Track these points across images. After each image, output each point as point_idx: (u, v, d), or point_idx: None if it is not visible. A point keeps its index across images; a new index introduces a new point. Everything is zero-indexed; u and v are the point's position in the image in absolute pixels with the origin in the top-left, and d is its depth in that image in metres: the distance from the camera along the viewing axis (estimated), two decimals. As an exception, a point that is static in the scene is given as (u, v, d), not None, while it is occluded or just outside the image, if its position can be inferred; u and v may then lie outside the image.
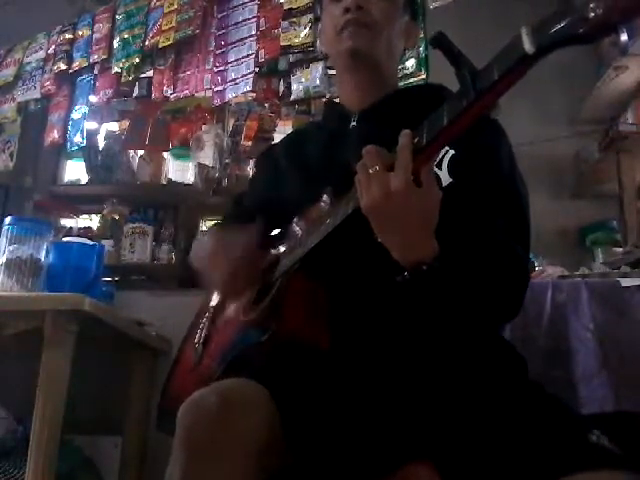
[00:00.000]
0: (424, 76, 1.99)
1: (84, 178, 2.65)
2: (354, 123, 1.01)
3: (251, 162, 2.53)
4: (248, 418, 0.71)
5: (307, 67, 2.14)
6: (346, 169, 0.83)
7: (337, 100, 1.13)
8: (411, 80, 1.99)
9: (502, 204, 0.89)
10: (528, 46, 0.57)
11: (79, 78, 2.50)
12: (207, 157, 2.46)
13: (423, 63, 2.01)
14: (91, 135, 2.57)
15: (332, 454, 0.77)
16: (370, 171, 0.71)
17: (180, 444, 0.71)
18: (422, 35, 1.94)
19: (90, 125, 2.57)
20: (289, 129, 2.50)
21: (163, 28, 2.29)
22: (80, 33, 2.51)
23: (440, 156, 0.89)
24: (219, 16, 2.26)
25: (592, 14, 0.52)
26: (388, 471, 0.78)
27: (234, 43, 2.20)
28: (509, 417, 0.76)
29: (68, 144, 2.45)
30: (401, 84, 1.91)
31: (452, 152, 0.90)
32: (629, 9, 0.51)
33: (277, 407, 0.74)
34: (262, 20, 2.16)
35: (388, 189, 0.69)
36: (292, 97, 2.18)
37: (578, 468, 0.67)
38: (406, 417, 0.80)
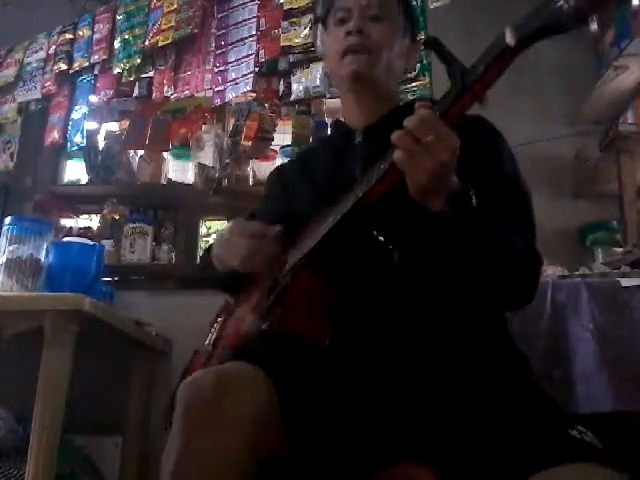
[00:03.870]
0: (427, 81, 1.99)
1: (84, 178, 2.64)
2: (359, 139, 1.06)
3: (251, 162, 2.53)
4: (243, 397, 0.75)
5: (307, 67, 2.15)
6: (353, 183, 0.86)
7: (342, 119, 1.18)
8: (414, 85, 2.00)
9: (508, 203, 0.91)
10: (509, 39, 0.67)
11: (79, 78, 2.50)
12: (207, 157, 2.45)
13: (426, 68, 2.01)
14: (91, 135, 2.57)
15: (328, 440, 0.80)
16: (425, 140, 0.73)
17: (178, 420, 0.76)
18: (423, 37, 1.93)
19: (90, 125, 2.56)
20: (289, 129, 2.50)
21: (162, 27, 2.29)
22: (80, 33, 2.51)
23: None
24: (219, 16, 2.26)
25: (565, 6, 0.62)
26: (382, 466, 0.80)
27: (234, 43, 2.20)
28: (499, 414, 0.79)
29: (68, 144, 2.45)
30: (403, 89, 1.93)
31: None
32: (595, 2, 0.61)
33: (275, 389, 0.77)
34: (262, 20, 2.16)
35: (445, 156, 0.74)
36: (292, 97, 2.18)
37: (557, 461, 0.69)
38: (400, 413, 0.82)
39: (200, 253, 2.58)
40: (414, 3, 1.91)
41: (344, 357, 0.86)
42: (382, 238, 0.88)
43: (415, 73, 2.00)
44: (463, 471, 0.76)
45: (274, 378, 0.79)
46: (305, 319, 0.84)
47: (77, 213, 2.60)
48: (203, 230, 2.70)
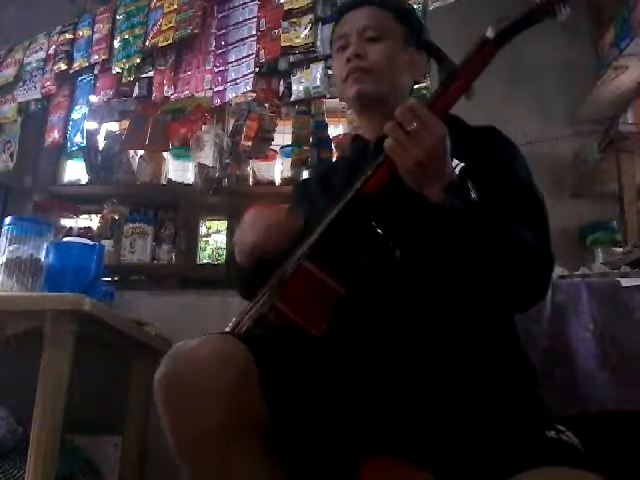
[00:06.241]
0: (427, 83, 1.99)
1: (84, 178, 2.65)
2: (372, 149, 1.08)
3: (251, 162, 2.53)
4: (220, 361, 0.79)
5: (307, 67, 2.14)
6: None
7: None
8: (415, 87, 1.99)
9: (521, 208, 0.92)
10: (489, 33, 0.78)
11: (79, 78, 2.49)
12: (207, 157, 2.46)
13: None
14: (91, 135, 2.57)
15: (310, 428, 0.82)
16: (411, 128, 0.79)
17: (162, 379, 0.81)
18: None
19: (90, 125, 2.56)
20: (289, 129, 2.51)
21: (162, 28, 2.28)
22: (80, 33, 2.51)
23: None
24: (219, 16, 2.26)
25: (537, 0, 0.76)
26: (365, 457, 0.81)
27: (234, 43, 2.20)
28: (481, 416, 0.81)
29: (68, 144, 2.44)
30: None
31: (461, 164, 0.94)
32: None
33: (257, 363, 0.81)
34: (262, 20, 2.16)
35: (430, 143, 0.79)
36: (292, 97, 2.18)
37: (531, 464, 0.70)
38: (386, 408, 0.84)
39: (200, 253, 2.59)
40: (414, 3, 1.91)
41: (338, 348, 0.87)
42: (381, 232, 0.89)
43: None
44: (442, 470, 0.78)
45: (257, 353, 0.81)
46: (303, 306, 0.84)
47: (77, 213, 2.59)
48: (203, 230, 2.70)
